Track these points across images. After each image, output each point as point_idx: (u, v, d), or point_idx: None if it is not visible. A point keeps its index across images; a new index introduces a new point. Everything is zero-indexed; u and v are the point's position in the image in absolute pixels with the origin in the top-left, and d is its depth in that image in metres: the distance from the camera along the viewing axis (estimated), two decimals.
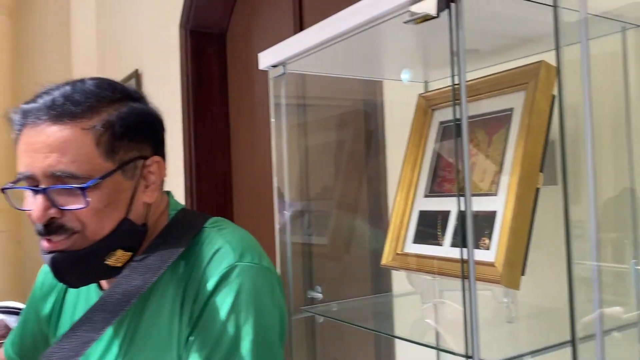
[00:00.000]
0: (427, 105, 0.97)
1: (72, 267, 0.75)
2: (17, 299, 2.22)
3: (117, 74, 3.19)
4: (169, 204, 0.86)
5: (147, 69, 2.83)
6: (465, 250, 0.61)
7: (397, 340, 1.26)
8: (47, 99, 0.74)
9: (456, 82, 0.61)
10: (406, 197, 0.92)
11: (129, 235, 0.77)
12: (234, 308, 0.72)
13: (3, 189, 0.78)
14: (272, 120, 0.95)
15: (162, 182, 0.83)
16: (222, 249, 0.77)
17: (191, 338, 0.73)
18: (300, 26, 1.97)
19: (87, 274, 0.77)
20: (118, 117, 0.75)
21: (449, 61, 0.62)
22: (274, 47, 0.90)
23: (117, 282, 0.73)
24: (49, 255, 0.74)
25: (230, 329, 0.71)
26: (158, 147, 0.82)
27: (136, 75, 2.88)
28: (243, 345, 0.70)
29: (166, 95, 2.62)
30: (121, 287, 0.72)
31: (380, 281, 1.29)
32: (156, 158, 0.81)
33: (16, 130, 0.76)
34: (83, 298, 0.87)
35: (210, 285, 0.74)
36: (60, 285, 0.91)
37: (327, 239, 1.21)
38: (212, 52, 2.46)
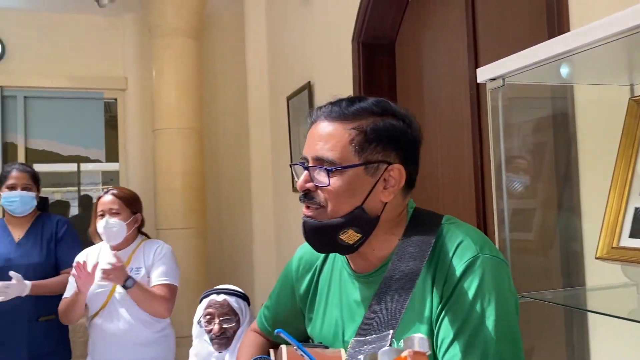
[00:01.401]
0: (638, 107, 1.03)
1: (315, 233, 0.96)
2: (205, 288, 2.58)
3: (290, 86, 3.52)
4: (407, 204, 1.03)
5: (319, 81, 3.09)
6: None
7: (590, 331, 1.31)
8: (333, 105, 0.97)
9: None
10: (620, 195, 0.99)
11: (360, 221, 0.95)
12: (479, 292, 0.87)
13: (291, 165, 1.02)
14: (490, 126, 1.07)
15: (402, 187, 0.98)
16: (464, 242, 0.92)
17: (442, 314, 0.88)
18: (474, 36, 2.06)
19: (326, 242, 0.97)
20: (373, 126, 0.95)
21: None
22: (495, 63, 1.02)
23: (392, 266, 0.91)
24: (303, 219, 0.97)
25: (477, 308, 0.86)
26: (405, 159, 0.98)
27: (309, 86, 3.16)
28: (488, 323, 0.85)
29: None
30: (397, 270, 0.90)
31: (573, 275, 1.35)
32: (398, 166, 0.97)
33: (309, 125, 1.00)
34: (336, 279, 1.06)
35: (457, 272, 0.89)
36: (314, 269, 1.11)
37: (531, 235, 1.30)
38: (382, 62, 2.63)
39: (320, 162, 0.94)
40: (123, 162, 4.66)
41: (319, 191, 0.95)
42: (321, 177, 0.94)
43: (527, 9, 1.65)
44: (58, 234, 2.41)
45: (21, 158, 4.39)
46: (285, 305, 1.18)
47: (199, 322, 1.92)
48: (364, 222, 0.95)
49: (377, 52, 2.62)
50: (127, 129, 4.59)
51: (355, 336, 0.85)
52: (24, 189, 2.36)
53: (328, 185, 0.93)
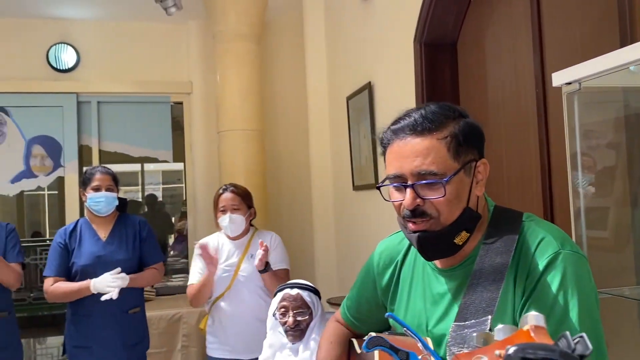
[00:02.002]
0: None
1: (432, 243, 1.01)
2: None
3: (349, 86, 3.60)
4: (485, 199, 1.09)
5: (379, 81, 3.15)
6: None
7: None
8: (409, 120, 1.01)
9: None
10: None
11: (470, 220, 1.01)
12: (561, 285, 0.92)
13: (378, 187, 1.08)
14: (566, 128, 1.11)
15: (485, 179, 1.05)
16: (545, 238, 0.97)
17: (526, 308, 0.94)
18: (539, 33, 2.07)
19: (441, 249, 1.03)
20: (459, 130, 1.00)
21: None
22: (571, 68, 1.06)
23: (480, 260, 0.98)
24: (415, 235, 1.01)
25: (560, 301, 0.91)
26: (482, 152, 1.05)
27: (369, 86, 3.23)
28: (572, 315, 0.90)
29: (399, 106, 2.90)
30: (486, 263, 0.96)
31: None
32: (483, 160, 1.04)
33: (385, 144, 1.05)
34: (419, 273, 1.13)
35: (540, 267, 0.95)
36: (396, 263, 1.18)
37: (606, 233, 1.33)
38: (444, 62, 2.67)
39: (423, 177, 0.98)
40: (189, 163, 4.87)
41: (427, 204, 0.99)
42: (433, 190, 0.98)
43: (596, 12, 1.66)
44: (142, 234, 2.58)
45: (95, 160, 4.67)
46: (366, 298, 1.25)
47: (274, 314, 2.03)
48: (472, 220, 1.01)
49: (439, 52, 2.66)
50: (192, 130, 4.79)
51: (455, 322, 0.92)
52: (107, 190, 2.53)
53: (443, 196, 0.97)
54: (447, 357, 0.91)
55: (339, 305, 2.66)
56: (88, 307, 2.47)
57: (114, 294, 2.36)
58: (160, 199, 8.32)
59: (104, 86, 4.64)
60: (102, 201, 2.53)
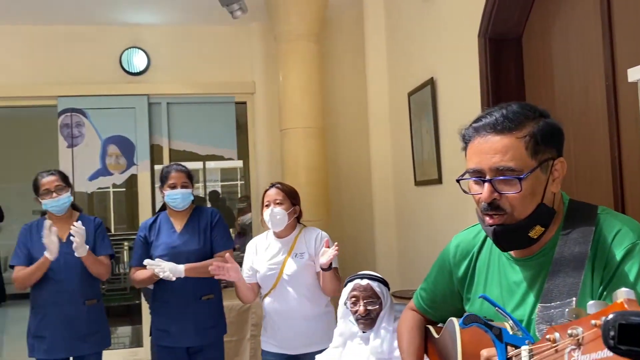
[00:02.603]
0: None
1: (507, 237, 1.07)
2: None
3: (411, 82, 3.63)
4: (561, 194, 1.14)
5: (442, 76, 3.18)
6: None
7: None
8: (490, 119, 1.07)
9: None
10: None
11: (545, 216, 1.07)
12: (639, 275, 0.96)
13: (458, 180, 1.14)
14: None
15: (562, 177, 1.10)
16: (622, 230, 1.02)
17: (604, 297, 0.98)
18: (609, 25, 2.05)
19: (516, 242, 1.09)
20: (538, 129, 1.06)
21: None
22: None
23: (559, 249, 1.03)
24: (491, 228, 1.07)
25: (639, 290, 0.95)
26: (561, 150, 1.10)
27: (431, 82, 3.26)
28: None
29: (463, 101, 2.93)
30: (565, 253, 1.02)
31: None
32: (561, 159, 1.09)
33: (467, 140, 1.11)
34: (494, 263, 1.19)
35: (617, 257, 0.99)
36: (472, 255, 1.24)
37: None
38: (509, 56, 2.67)
39: (501, 172, 1.04)
40: (252, 160, 5.04)
41: (503, 199, 1.05)
42: (509, 186, 1.04)
43: None
44: (212, 222, 2.74)
45: (166, 158, 4.92)
46: (442, 287, 1.32)
47: (345, 303, 2.12)
48: (547, 215, 1.07)
49: (504, 47, 2.66)
50: (255, 129, 4.96)
51: (541, 303, 0.99)
52: (182, 186, 2.70)
53: (519, 191, 1.03)
54: (537, 333, 0.97)
55: (401, 298, 2.71)
56: (166, 294, 2.65)
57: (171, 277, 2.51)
58: (221, 195, 8.61)
59: (172, 88, 4.88)
60: (178, 197, 2.70)
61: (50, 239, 2.47)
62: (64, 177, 2.71)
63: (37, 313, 2.63)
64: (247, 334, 3.57)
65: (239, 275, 2.48)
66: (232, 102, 4.98)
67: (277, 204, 2.53)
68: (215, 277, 2.47)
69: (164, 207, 2.83)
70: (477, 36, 2.71)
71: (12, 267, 2.63)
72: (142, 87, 4.83)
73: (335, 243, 2.42)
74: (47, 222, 2.50)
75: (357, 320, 2.07)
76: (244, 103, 5.02)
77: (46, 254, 2.49)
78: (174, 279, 2.53)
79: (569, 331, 0.68)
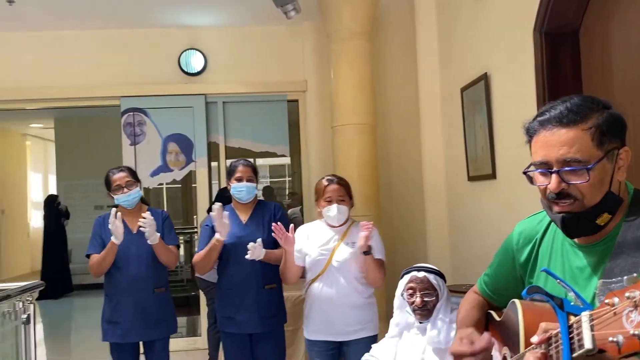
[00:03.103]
0: None
1: (575, 223, 1.12)
2: None
3: (463, 78, 3.65)
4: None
5: (497, 71, 3.19)
6: None
7: None
8: (554, 113, 1.13)
9: None
10: None
11: (612, 203, 1.11)
12: None
13: (524, 172, 1.19)
14: None
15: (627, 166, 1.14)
16: None
17: None
18: None
19: (583, 229, 1.13)
20: (603, 121, 1.11)
21: None
22: None
23: (623, 234, 1.08)
24: (559, 215, 1.13)
25: None
26: (624, 140, 1.14)
27: (485, 77, 3.27)
28: None
29: (518, 96, 2.93)
30: (629, 236, 1.07)
31: None
32: (626, 148, 1.14)
33: (531, 134, 1.17)
34: (557, 249, 1.23)
35: None
36: (535, 241, 1.29)
37: None
38: (565, 51, 2.66)
39: (568, 164, 1.09)
40: (304, 157, 5.16)
41: (572, 188, 1.10)
42: (577, 176, 1.08)
43: None
44: (276, 216, 2.86)
45: (222, 155, 5.10)
46: (504, 273, 1.38)
47: (401, 294, 2.19)
48: (613, 203, 1.11)
49: (561, 42, 2.65)
50: (307, 126, 5.07)
51: (601, 279, 1.05)
52: (248, 180, 2.84)
53: (587, 181, 1.08)
54: (597, 303, 1.02)
55: (455, 292, 2.75)
56: (230, 283, 2.79)
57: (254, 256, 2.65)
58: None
59: (228, 87, 5.05)
60: (243, 190, 2.83)
61: (115, 224, 2.64)
62: (133, 173, 2.89)
63: (110, 300, 2.82)
64: (302, 324, 3.67)
65: (292, 248, 2.60)
66: (285, 100, 5.10)
67: (341, 200, 2.62)
68: (273, 235, 2.59)
69: (218, 199, 2.94)
70: (532, 31, 2.71)
71: (87, 256, 2.83)
72: (200, 87, 5.02)
73: (369, 223, 2.49)
74: (113, 210, 2.68)
75: (413, 311, 2.13)
76: (296, 101, 5.14)
77: (113, 239, 2.66)
78: (261, 256, 2.65)
79: (627, 294, 0.73)
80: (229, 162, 4.32)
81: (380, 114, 4.65)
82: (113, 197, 2.84)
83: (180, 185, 8.77)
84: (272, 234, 2.60)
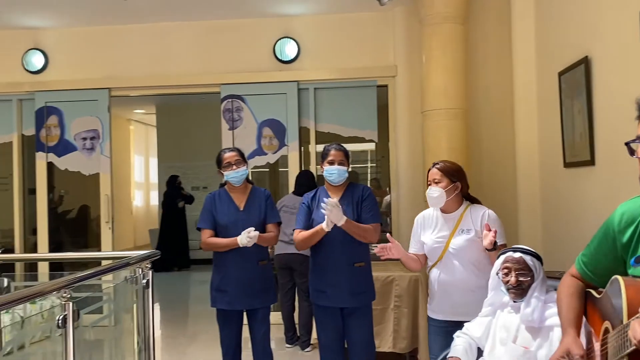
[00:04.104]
0: None
1: None
2: None
3: (562, 62, 3.56)
4: None
5: (598, 55, 3.09)
6: None
7: None
8: None
9: None
10: None
11: None
12: None
13: (626, 143, 1.23)
14: None
15: None
16: None
17: None
18: None
19: None
20: None
21: None
22: None
23: None
24: None
25: None
26: None
27: (585, 61, 3.18)
28: None
29: (622, 80, 2.83)
30: None
31: None
32: None
33: None
34: None
35: None
36: (637, 222, 1.32)
37: None
38: None
39: None
40: (393, 142, 5.23)
41: None
42: None
43: None
44: (363, 196, 2.99)
45: (312, 140, 5.29)
46: (604, 253, 1.42)
47: (497, 274, 2.24)
48: None
49: None
50: (396, 111, 5.13)
51: None
52: (339, 164, 2.97)
53: None
54: None
55: (548, 278, 2.74)
56: (323, 260, 2.95)
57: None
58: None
59: (319, 74, 5.22)
60: (334, 173, 2.97)
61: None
62: (241, 154, 3.13)
63: (219, 271, 3.08)
64: (391, 303, 3.79)
65: (400, 252, 2.70)
66: (375, 86, 5.19)
67: (435, 182, 2.66)
68: (382, 258, 2.70)
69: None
70: (639, 11, 2.62)
71: (199, 229, 3.11)
72: (293, 74, 5.23)
73: (490, 227, 2.47)
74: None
75: (508, 290, 2.18)
76: (386, 86, 5.21)
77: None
78: (340, 222, 2.77)
79: None
80: (319, 146, 4.51)
81: (472, 98, 4.62)
82: (223, 174, 3.09)
83: (268, 169, 9.15)
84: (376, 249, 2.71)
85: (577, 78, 3.32)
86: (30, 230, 5.71)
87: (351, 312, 2.97)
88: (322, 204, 2.78)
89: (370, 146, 8.85)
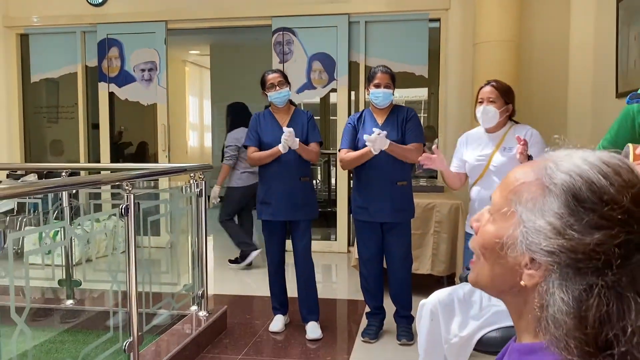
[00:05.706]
0: None
1: None
2: None
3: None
4: None
5: None
6: None
7: None
8: None
9: None
10: None
11: None
12: None
13: None
14: None
15: None
16: None
17: None
18: None
19: None
20: None
21: None
22: None
23: None
24: None
25: None
26: None
27: None
28: None
29: None
30: None
31: None
32: None
33: None
34: None
35: None
36: None
37: None
38: None
39: None
40: (443, 76, 5.20)
41: None
42: None
43: None
44: (407, 117, 3.07)
45: (362, 74, 5.32)
46: (624, 135, 1.47)
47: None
48: None
49: None
50: (448, 45, 5.08)
51: None
52: (385, 87, 3.04)
53: None
54: None
55: None
56: (366, 178, 3.07)
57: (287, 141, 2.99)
58: None
59: (371, 7, 5.19)
60: (380, 96, 3.05)
61: (286, 138, 2.98)
62: (284, 75, 3.24)
63: (264, 185, 3.26)
64: (430, 229, 3.89)
65: (443, 165, 2.76)
66: (426, 19, 5.13)
67: (490, 101, 2.62)
68: (424, 167, 2.78)
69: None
70: None
71: (245, 147, 3.28)
72: (344, 7, 5.22)
73: (522, 139, 2.43)
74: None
75: None
76: (438, 20, 5.14)
77: (280, 147, 3.04)
78: (385, 147, 2.87)
79: None
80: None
81: (525, 30, 4.51)
82: (267, 95, 3.22)
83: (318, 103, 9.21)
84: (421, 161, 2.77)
85: (636, 4, 3.21)
86: (94, 162, 6.10)
87: (391, 227, 3.10)
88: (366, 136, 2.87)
89: (423, 93, 8.75)
